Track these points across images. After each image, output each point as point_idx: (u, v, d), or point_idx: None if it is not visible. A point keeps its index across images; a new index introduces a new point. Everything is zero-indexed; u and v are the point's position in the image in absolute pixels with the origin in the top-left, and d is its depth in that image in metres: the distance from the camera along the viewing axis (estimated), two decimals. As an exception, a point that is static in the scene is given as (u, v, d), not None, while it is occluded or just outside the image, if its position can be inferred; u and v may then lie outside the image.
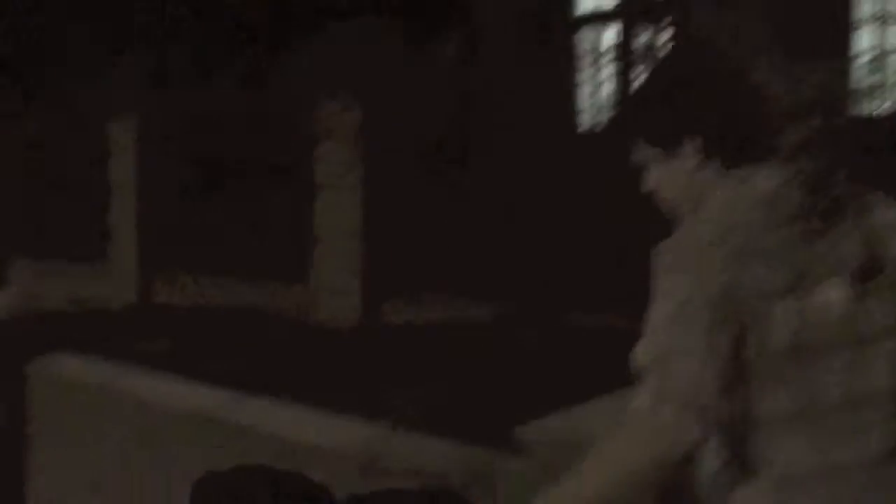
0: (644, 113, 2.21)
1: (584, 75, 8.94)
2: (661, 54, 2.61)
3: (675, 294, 1.98)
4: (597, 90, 8.94)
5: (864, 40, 5.96)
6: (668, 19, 7.71)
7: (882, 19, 6.11)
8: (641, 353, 2.01)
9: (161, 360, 5.73)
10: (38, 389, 5.67)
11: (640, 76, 2.65)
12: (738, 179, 2.09)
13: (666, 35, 7.84)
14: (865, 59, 5.93)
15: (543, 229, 8.36)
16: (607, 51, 8.78)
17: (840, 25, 6.27)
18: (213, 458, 4.61)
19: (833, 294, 2.03)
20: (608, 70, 8.80)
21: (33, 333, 5.79)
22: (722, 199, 2.07)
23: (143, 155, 10.69)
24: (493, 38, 8.62)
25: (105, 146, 10.82)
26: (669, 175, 2.20)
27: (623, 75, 8.52)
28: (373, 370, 6.04)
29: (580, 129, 9.00)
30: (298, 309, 9.71)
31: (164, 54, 9.81)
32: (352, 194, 9.11)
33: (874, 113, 4.84)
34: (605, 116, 8.92)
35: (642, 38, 8.26)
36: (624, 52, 8.50)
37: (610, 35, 8.73)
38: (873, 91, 4.57)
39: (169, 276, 10.48)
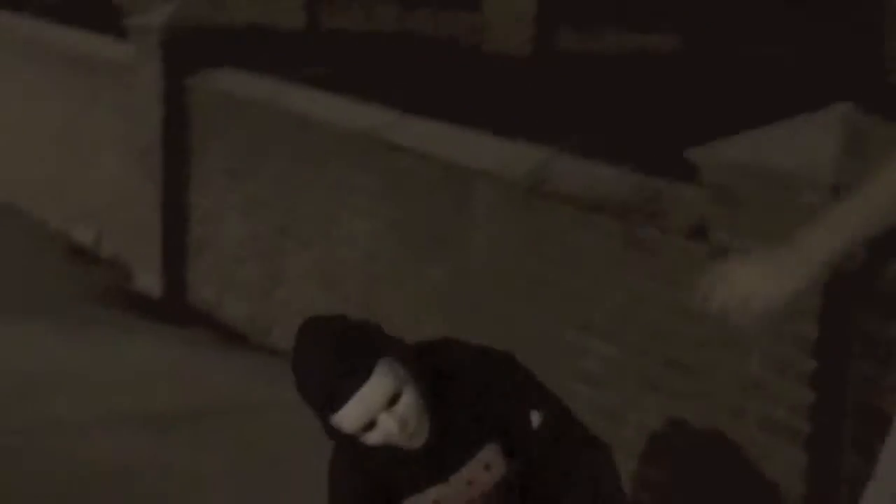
0: None
1: None
2: None
3: None
4: None
5: None
6: None
7: None
8: None
9: (327, 81, 5.63)
10: (202, 102, 5.68)
11: None
12: None
13: None
14: None
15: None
16: None
17: None
18: (375, 178, 4.56)
19: None
20: None
21: (199, 46, 5.75)
22: None
23: None
24: None
25: None
26: None
27: None
28: (544, 97, 5.84)
29: None
30: (471, 36, 9.56)
31: None
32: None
33: None
34: None
35: None
36: None
37: None
38: None
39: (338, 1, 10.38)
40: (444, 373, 2.42)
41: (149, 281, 5.93)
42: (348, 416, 2.26)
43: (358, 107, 4.88)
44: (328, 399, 2.26)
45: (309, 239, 4.95)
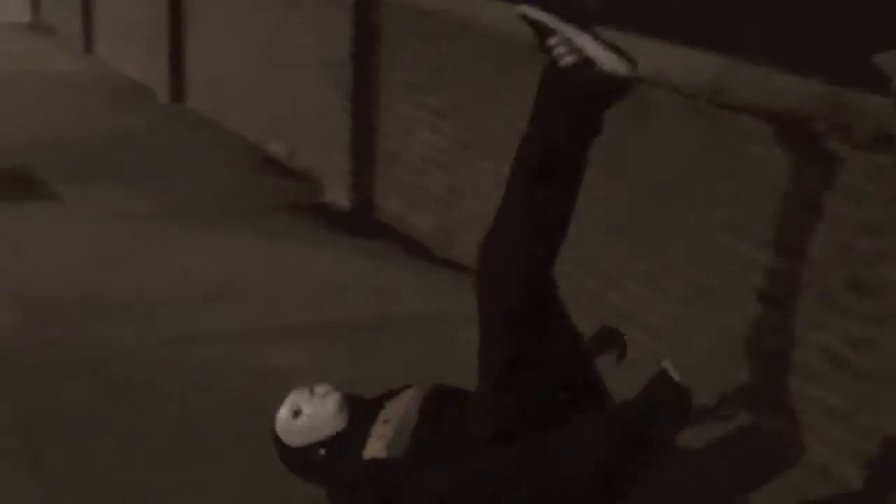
0: None
1: None
2: None
3: None
4: None
5: None
6: None
7: None
8: None
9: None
10: (391, 16, 5.69)
11: None
12: None
13: None
14: None
15: None
16: None
17: None
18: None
19: None
20: None
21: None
22: None
23: None
24: None
25: None
26: None
27: None
28: (722, 2, 5.60)
29: None
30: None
31: None
32: None
33: None
34: None
35: None
36: None
37: None
38: None
39: None
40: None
41: (338, 193, 6.04)
42: None
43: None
44: None
45: (492, 151, 4.93)
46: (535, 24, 2.68)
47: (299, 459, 2.99)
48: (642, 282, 4.06)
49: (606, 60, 2.61)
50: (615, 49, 2.62)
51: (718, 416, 3.68)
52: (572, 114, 2.71)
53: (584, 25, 2.65)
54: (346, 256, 5.27)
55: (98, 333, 4.18)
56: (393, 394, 3.04)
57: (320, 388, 3.04)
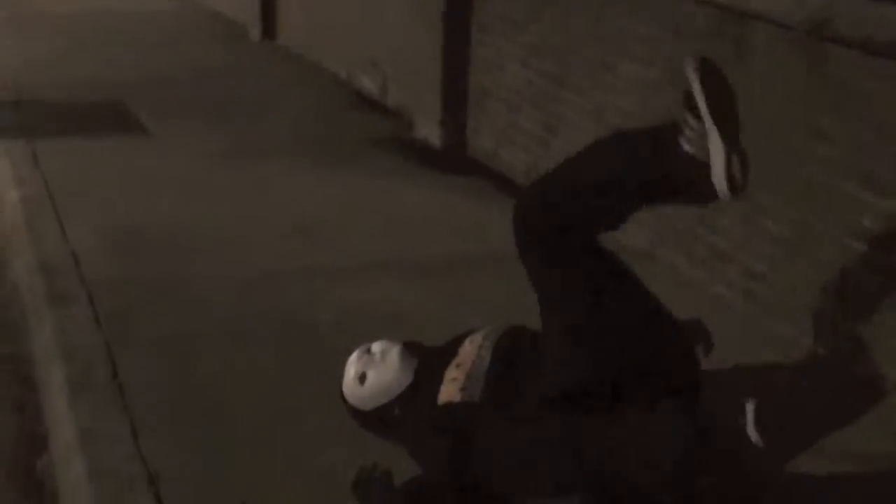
0: None
1: None
2: None
3: None
4: None
5: None
6: None
7: None
8: None
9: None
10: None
11: None
12: None
13: None
14: None
15: None
16: None
17: None
18: (653, 25, 4.39)
19: None
20: None
21: None
22: None
23: None
24: None
25: None
26: None
27: None
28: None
29: None
30: None
31: None
32: None
33: None
34: None
35: None
36: None
37: None
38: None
39: None
40: None
41: (429, 130, 6.01)
42: None
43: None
44: None
45: (585, 87, 4.86)
46: (693, 94, 2.59)
47: (375, 421, 2.99)
48: (739, 220, 3.98)
49: (718, 177, 2.54)
50: (732, 175, 2.53)
51: (819, 357, 3.62)
52: (642, 183, 2.65)
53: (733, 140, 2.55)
54: (437, 193, 5.24)
55: (186, 268, 4.21)
56: (462, 338, 3.02)
57: (377, 346, 3.03)
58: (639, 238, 4.36)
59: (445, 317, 3.80)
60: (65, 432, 3.07)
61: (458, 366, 2.87)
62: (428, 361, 2.97)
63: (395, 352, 2.98)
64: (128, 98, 6.69)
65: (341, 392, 3.03)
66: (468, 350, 2.90)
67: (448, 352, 2.97)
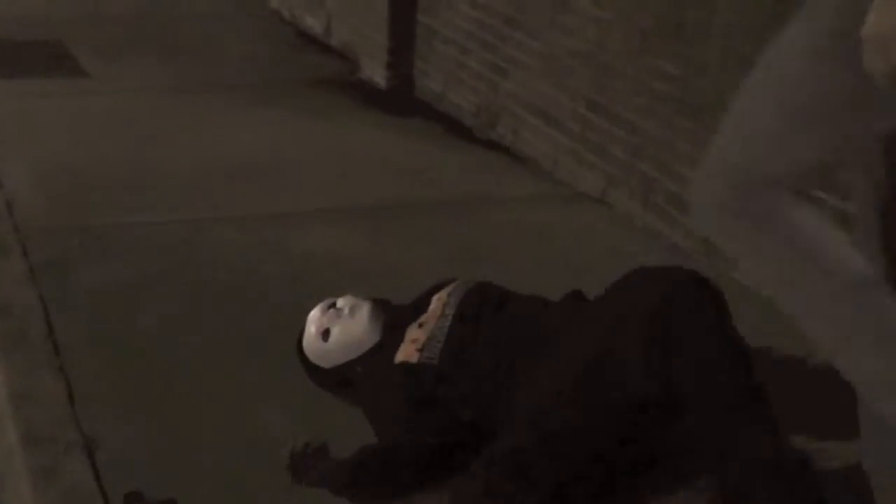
0: None
1: None
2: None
3: None
4: None
5: None
6: None
7: None
8: None
9: None
10: None
11: None
12: None
13: None
14: None
15: None
16: None
17: None
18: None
19: None
20: None
21: None
22: None
23: None
24: None
25: None
26: None
27: None
28: None
29: None
30: None
31: None
32: None
33: None
34: None
35: None
36: None
37: None
38: None
39: None
40: None
41: (375, 71, 5.85)
42: None
43: None
44: None
45: (537, 29, 4.72)
46: None
47: (333, 380, 2.86)
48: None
49: None
50: None
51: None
52: None
53: None
54: (384, 135, 5.10)
55: (126, 215, 4.04)
56: (430, 294, 2.90)
57: (344, 302, 2.89)
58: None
59: (395, 264, 3.69)
60: (-2, 394, 2.93)
61: (420, 325, 2.75)
62: (394, 319, 2.86)
63: (365, 308, 2.85)
64: (66, 36, 6.46)
65: (298, 347, 2.90)
66: (433, 308, 2.79)
67: (415, 309, 2.85)
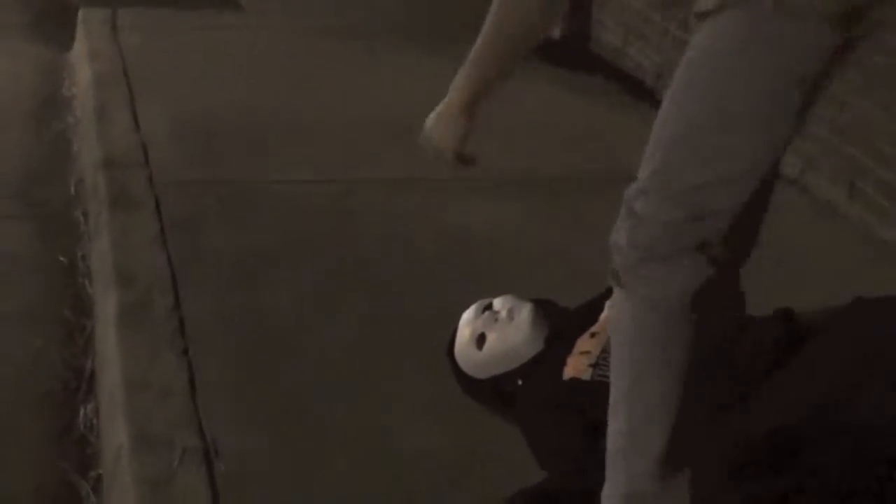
0: None
1: None
2: None
3: None
4: None
5: None
6: None
7: None
8: None
9: None
10: None
11: None
12: None
13: None
14: None
15: None
16: None
17: None
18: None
19: None
20: None
21: None
22: None
23: None
24: None
25: None
26: None
27: None
28: None
29: None
30: None
31: None
32: None
33: None
34: None
35: None
36: None
37: None
38: None
39: None
40: None
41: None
42: None
43: None
44: None
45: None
46: None
47: (487, 392, 2.45)
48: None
49: None
50: None
51: None
52: None
53: None
54: (554, 93, 4.66)
55: (266, 171, 3.70)
56: (602, 300, 2.47)
57: (502, 303, 2.48)
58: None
59: (561, 248, 3.27)
60: (111, 378, 2.60)
61: (592, 335, 2.33)
62: (561, 326, 2.44)
63: (525, 312, 2.44)
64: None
65: (449, 350, 2.51)
66: (608, 316, 2.36)
67: (585, 316, 2.43)
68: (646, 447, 1.76)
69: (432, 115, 2.23)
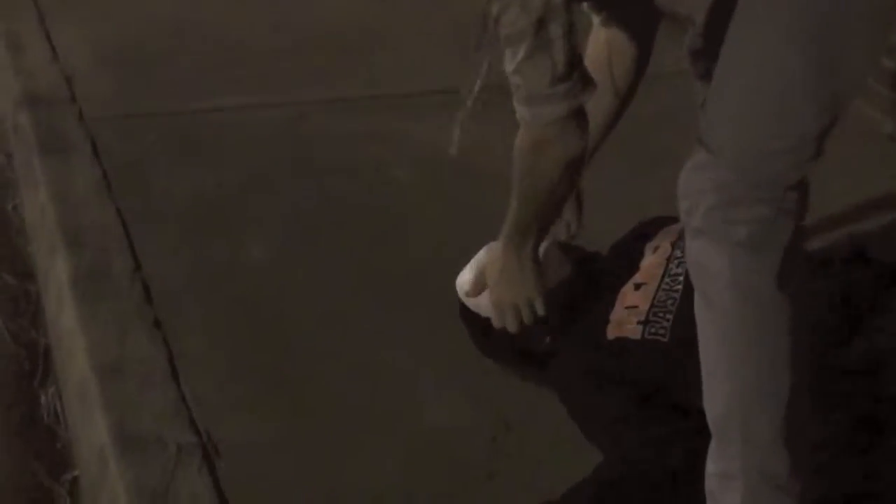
0: None
1: None
2: None
3: None
4: None
5: None
6: None
7: None
8: None
9: None
10: None
11: None
12: None
13: None
14: None
15: None
16: None
17: None
18: None
19: None
20: None
21: None
22: None
23: None
24: None
25: None
26: None
27: None
28: None
29: None
30: None
31: None
32: None
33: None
34: None
35: None
36: None
37: None
38: None
39: None
40: None
41: None
42: None
43: None
44: None
45: None
46: None
47: (512, 351, 2.15)
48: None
49: None
50: None
51: None
52: None
53: None
54: None
55: (211, 99, 3.31)
56: (639, 243, 2.19)
57: None
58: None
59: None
60: (77, 362, 2.26)
61: (637, 286, 2.06)
62: (592, 273, 2.16)
63: (550, 249, 2.14)
64: None
65: (463, 313, 2.22)
66: (651, 263, 2.08)
67: (622, 263, 2.15)
68: (771, 408, 1.52)
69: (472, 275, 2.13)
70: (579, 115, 1.82)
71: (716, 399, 1.56)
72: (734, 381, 1.53)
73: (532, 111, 1.80)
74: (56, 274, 2.54)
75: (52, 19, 3.81)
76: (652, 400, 1.91)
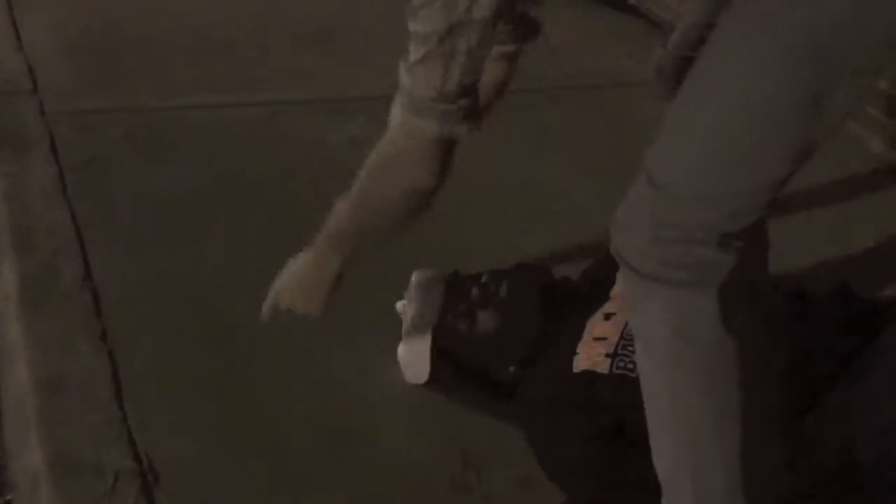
0: None
1: None
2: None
3: None
4: None
5: None
6: None
7: None
8: None
9: None
10: None
11: None
12: None
13: None
14: None
15: None
16: None
17: None
18: None
19: None
20: None
21: None
22: None
23: None
24: None
25: None
26: None
27: None
28: None
29: None
30: None
31: None
32: None
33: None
34: None
35: None
36: None
37: None
38: None
39: None
40: None
41: None
42: None
43: None
44: None
45: None
46: None
47: (474, 382, 2.04)
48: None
49: None
50: None
51: None
52: None
53: None
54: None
55: (181, 96, 3.20)
56: (615, 264, 2.07)
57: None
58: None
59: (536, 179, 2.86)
60: (15, 374, 2.14)
61: (607, 316, 1.94)
62: (561, 299, 2.04)
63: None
64: None
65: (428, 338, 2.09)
66: (621, 293, 1.96)
67: (591, 290, 2.03)
68: (716, 467, 1.41)
69: (287, 278, 1.95)
70: (446, 151, 1.66)
71: (663, 454, 1.44)
72: (681, 433, 1.42)
73: (404, 116, 1.64)
74: (3, 279, 2.41)
75: (18, 4, 3.68)
76: (618, 438, 1.79)
